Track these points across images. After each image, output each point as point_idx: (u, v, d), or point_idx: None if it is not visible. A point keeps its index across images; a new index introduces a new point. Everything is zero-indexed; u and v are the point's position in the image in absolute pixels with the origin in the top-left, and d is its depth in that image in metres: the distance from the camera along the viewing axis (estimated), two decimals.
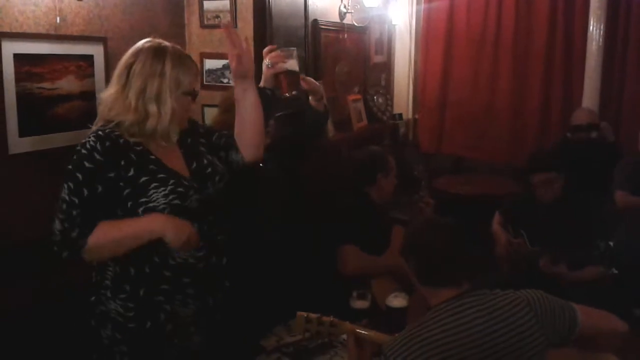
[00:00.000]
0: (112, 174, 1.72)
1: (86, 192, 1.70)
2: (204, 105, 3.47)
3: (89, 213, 1.70)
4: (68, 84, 2.72)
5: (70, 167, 1.73)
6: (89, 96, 2.83)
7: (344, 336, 2.18)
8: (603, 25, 4.56)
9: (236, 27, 3.41)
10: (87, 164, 1.70)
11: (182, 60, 1.80)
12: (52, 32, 2.64)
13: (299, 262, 2.45)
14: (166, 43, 1.83)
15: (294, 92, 2.13)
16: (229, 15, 3.39)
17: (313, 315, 1.94)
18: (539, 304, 1.69)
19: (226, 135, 2.01)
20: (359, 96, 4.87)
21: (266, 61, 2.12)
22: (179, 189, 1.77)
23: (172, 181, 1.77)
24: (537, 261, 2.94)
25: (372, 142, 4.06)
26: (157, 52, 1.77)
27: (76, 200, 1.69)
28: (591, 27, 4.60)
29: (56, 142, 2.69)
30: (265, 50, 2.15)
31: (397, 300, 2.31)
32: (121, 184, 1.72)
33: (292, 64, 2.12)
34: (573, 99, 4.82)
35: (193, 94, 1.84)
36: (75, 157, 1.73)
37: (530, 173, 3.18)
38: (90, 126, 1.81)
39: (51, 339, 2.41)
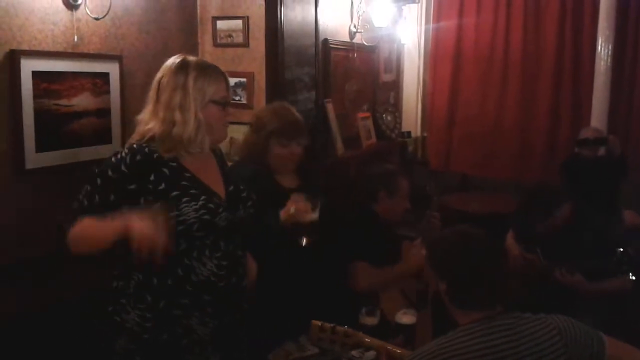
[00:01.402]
0: (133, 186, 1.76)
1: (97, 199, 1.76)
2: None
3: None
4: (84, 100, 2.78)
5: (95, 170, 1.81)
6: (105, 113, 2.89)
7: (354, 352, 2.21)
8: (611, 45, 4.59)
9: (248, 46, 3.47)
10: (110, 173, 1.77)
11: (205, 70, 1.87)
12: (70, 50, 2.70)
13: (308, 277, 2.46)
14: (192, 57, 1.90)
15: (304, 241, 2.20)
16: (241, 34, 3.46)
17: (327, 325, 1.97)
18: (569, 333, 1.65)
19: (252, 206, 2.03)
20: (368, 114, 4.91)
21: (292, 210, 2.18)
22: (210, 205, 1.81)
23: (203, 197, 1.81)
24: (550, 275, 2.94)
25: (381, 160, 4.09)
26: (180, 66, 1.84)
27: (85, 203, 1.78)
28: (599, 47, 4.63)
29: (72, 157, 2.74)
30: (293, 197, 2.21)
31: (406, 317, 2.31)
32: (150, 197, 1.76)
33: (314, 216, 2.19)
34: (581, 118, 4.84)
35: (222, 103, 1.89)
36: (104, 163, 1.81)
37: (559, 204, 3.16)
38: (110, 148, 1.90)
39: (67, 349, 2.44)
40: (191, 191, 1.81)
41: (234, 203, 1.92)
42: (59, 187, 2.70)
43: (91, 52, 2.81)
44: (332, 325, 1.97)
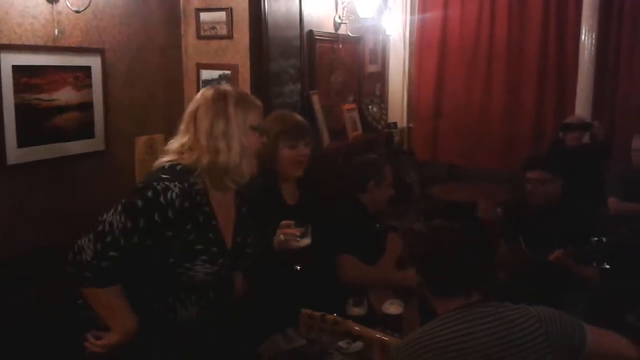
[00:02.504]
0: (170, 233, 1.70)
1: (136, 240, 1.67)
2: None
3: (126, 257, 1.68)
4: (66, 95, 2.75)
5: (139, 204, 1.67)
6: (87, 107, 2.86)
7: (341, 343, 2.22)
8: (595, 33, 4.63)
9: (232, 38, 3.44)
10: (156, 217, 1.67)
11: (243, 98, 1.84)
12: (50, 44, 2.67)
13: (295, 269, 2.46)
14: (226, 86, 1.88)
15: (298, 268, 2.21)
16: (225, 26, 3.43)
17: (316, 313, 1.98)
18: (550, 321, 1.66)
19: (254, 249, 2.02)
20: (353, 105, 4.90)
21: (281, 237, 2.18)
22: (222, 270, 1.81)
23: (220, 260, 1.80)
24: (533, 263, 2.97)
25: (367, 150, 4.09)
26: (218, 95, 1.81)
27: (122, 242, 1.66)
28: (583, 36, 4.66)
29: (54, 152, 2.71)
30: (283, 223, 2.21)
31: (393, 307, 2.33)
32: (176, 242, 1.72)
33: (305, 242, 2.19)
34: (566, 107, 4.88)
35: (260, 129, 1.87)
36: (150, 196, 1.67)
37: (525, 170, 3.23)
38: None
39: (51, 351, 2.42)
40: (212, 249, 1.78)
41: (237, 257, 1.90)
42: (42, 183, 2.68)
43: (72, 45, 2.77)
44: (321, 313, 1.99)
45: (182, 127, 1.82)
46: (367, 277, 2.70)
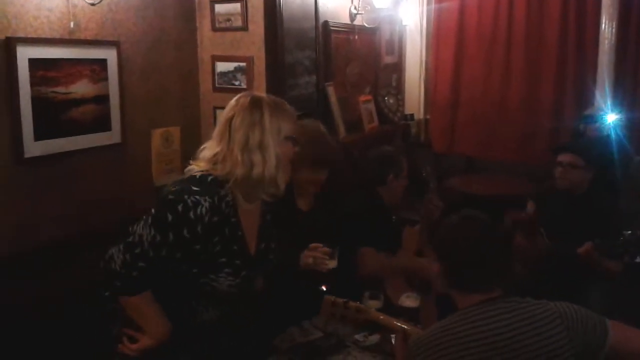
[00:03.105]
0: (197, 246, 1.70)
1: (164, 253, 1.67)
2: (215, 108, 3.49)
3: (154, 268, 1.69)
4: (82, 87, 2.75)
5: (169, 218, 1.66)
6: (103, 100, 2.87)
7: (357, 336, 2.21)
8: (615, 23, 4.54)
9: (247, 30, 3.43)
10: (185, 231, 1.66)
11: (279, 106, 1.81)
12: (66, 37, 2.67)
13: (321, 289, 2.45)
14: (261, 94, 1.85)
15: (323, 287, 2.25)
16: (240, 18, 3.42)
17: (340, 300, 1.98)
18: (571, 317, 1.65)
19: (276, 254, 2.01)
20: (369, 97, 4.87)
21: (311, 260, 2.23)
22: (244, 282, 1.80)
23: (243, 273, 1.79)
24: (554, 256, 2.93)
25: (384, 142, 4.07)
26: (254, 103, 1.78)
27: (151, 254, 1.67)
28: (603, 25, 4.58)
29: (71, 145, 2.72)
30: (312, 246, 2.26)
31: (409, 301, 2.31)
32: (202, 255, 1.72)
33: (333, 264, 2.25)
34: (586, 97, 4.79)
35: (293, 140, 1.84)
36: (180, 210, 1.66)
37: (557, 152, 3.20)
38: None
39: (68, 339, 2.44)
40: (236, 262, 1.77)
41: (259, 264, 1.89)
42: (58, 175, 2.69)
43: (88, 38, 2.78)
44: (344, 300, 1.98)
45: (216, 134, 1.79)
46: (386, 267, 2.69)
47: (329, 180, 2.54)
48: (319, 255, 2.22)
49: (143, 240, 1.67)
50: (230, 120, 1.76)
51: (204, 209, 1.67)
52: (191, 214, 1.66)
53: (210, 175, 1.75)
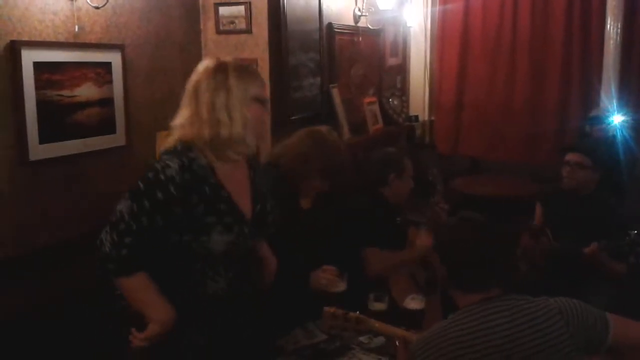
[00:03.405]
0: (178, 209, 1.73)
1: (145, 222, 1.71)
2: None
3: (142, 241, 1.72)
4: (87, 91, 2.76)
5: (141, 186, 1.72)
6: (108, 103, 2.87)
7: (362, 338, 2.20)
8: (620, 23, 4.54)
9: (251, 32, 3.44)
10: (158, 194, 1.71)
11: (245, 69, 1.85)
12: (71, 40, 2.68)
13: (317, 263, 2.45)
14: (227, 58, 1.87)
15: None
16: (244, 20, 3.42)
17: (340, 311, 1.98)
18: (571, 313, 1.65)
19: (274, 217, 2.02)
20: (374, 99, 4.87)
21: (324, 282, 2.31)
22: (240, 238, 1.81)
23: (236, 228, 1.80)
24: (559, 256, 2.92)
25: (388, 144, 4.06)
26: (218, 67, 1.81)
27: (133, 226, 1.70)
28: (608, 26, 4.57)
29: (76, 148, 2.73)
30: (325, 268, 2.34)
31: (414, 302, 2.31)
32: (185, 218, 1.74)
33: (342, 287, 2.33)
34: (591, 98, 4.78)
35: (263, 101, 1.86)
36: (150, 176, 1.72)
37: (564, 152, 3.20)
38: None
39: (73, 340, 2.45)
40: (225, 219, 1.79)
41: (258, 226, 1.91)
42: (63, 178, 2.69)
43: (92, 41, 2.79)
44: (344, 312, 1.97)
45: (184, 100, 1.84)
46: (392, 264, 2.72)
47: (332, 182, 2.55)
48: (331, 278, 2.29)
49: (124, 214, 1.71)
50: (196, 86, 1.80)
51: (173, 170, 1.72)
52: (161, 176, 1.71)
53: (180, 141, 1.79)
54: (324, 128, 2.59)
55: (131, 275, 1.73)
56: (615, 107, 4.48)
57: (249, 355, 1.99)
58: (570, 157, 3.13)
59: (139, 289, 1.76)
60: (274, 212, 2.00)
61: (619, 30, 4.54)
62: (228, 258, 1.84)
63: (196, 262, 1.81)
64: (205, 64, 1.84)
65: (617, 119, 4.08)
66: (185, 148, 1.78)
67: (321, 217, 2.53)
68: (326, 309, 2.00)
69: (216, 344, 1.89)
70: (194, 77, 1.83)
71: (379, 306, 2.29)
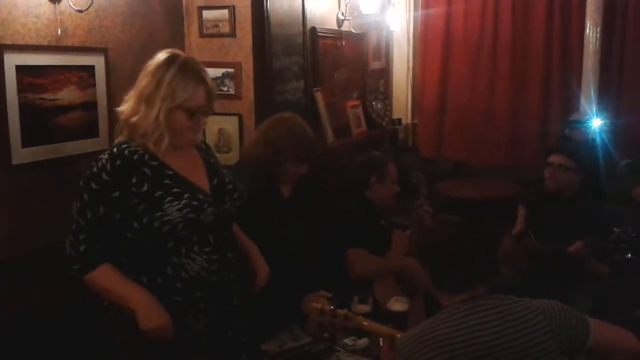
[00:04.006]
0: (116, 194, 1.75)
1: (89, 215, 1.76)
2: None
3: (94, 234, 1.76)
4: (70, 94, 2.75)
5: (80, 184, 1.80)
6: (91, 106, 2.86)
7: (346, 340, 2.22)
8: (599, 27, 4.60)
9: (235, 36, 3.44)
10: (93, 185, 1.77)
11: (185, 73, 1.79)
12: (54, 44, 2.67)
13: (301, 266, 2.46)
14: (183, 55, 1.86)
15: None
16: (228, 24, 3.42)
17: (327, 308, 1.99)
18: (554, 312, 1.68)
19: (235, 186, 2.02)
20: (357, 102, 4.89)
21: (319, 305, 2.20)
22: (194, 202, 1.80)
23: (186, 195, 1.80)
24: (543, 257, 2.96)
25: (372, 147, 4.09)
26: (167, 60, 1.81)
27: (82, 222, 1.77)
28: (588, 30, 4.63)
29: (59, 152, 2.71)
30: (321, 293, 2.30)
31: (398, 304, 2.33)
32: (134, 200, 1.76)
33: (365, 308, 2.31)
34: (571, 101, 4.84)
35: (192, 112, 1.81)
36: (87, 174, 1.79)
37: (548, 154, 3.24)
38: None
39: (60, 348, 2.43)
40: (174, 190, 1.79)
41: (220, 196, 1.91)
42: (46, 182, 2.68)
43: (75, 45, 2.77)
44: (332, 308, 1.98)
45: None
46: (375, 268, 2.72)
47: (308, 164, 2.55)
48: (324, 302, 2.25)
49: (73, 215, 1.79)
50: (145, 68, 1.83)
51: (104, 160, 1.78)
52: (94, 169, 1.78)
53: (126, 136, 1.84)
54: (287, 114, 2.60)
55: (95, 269, 1.76)
56: (594, 110, 4.55)
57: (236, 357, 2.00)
58: (553, 159, 3.17)
59: (106, 279, 1.78)
60: (235, 184, 1.99)
61: (598, 34, 4.61)
62: (195, 232, 1.82)
63: (166, 242, 1.80)
64: (159, 54, 1.85)
65: (596, 123, 4.15)
66: (120, 142, 1.83)
67: (304, 202, 2.52)
68: (313, 304, 2.01)
69: (211, 327, 1.89)
70: (150, 61, 1.85)
71: (363, 308, 2.31)
